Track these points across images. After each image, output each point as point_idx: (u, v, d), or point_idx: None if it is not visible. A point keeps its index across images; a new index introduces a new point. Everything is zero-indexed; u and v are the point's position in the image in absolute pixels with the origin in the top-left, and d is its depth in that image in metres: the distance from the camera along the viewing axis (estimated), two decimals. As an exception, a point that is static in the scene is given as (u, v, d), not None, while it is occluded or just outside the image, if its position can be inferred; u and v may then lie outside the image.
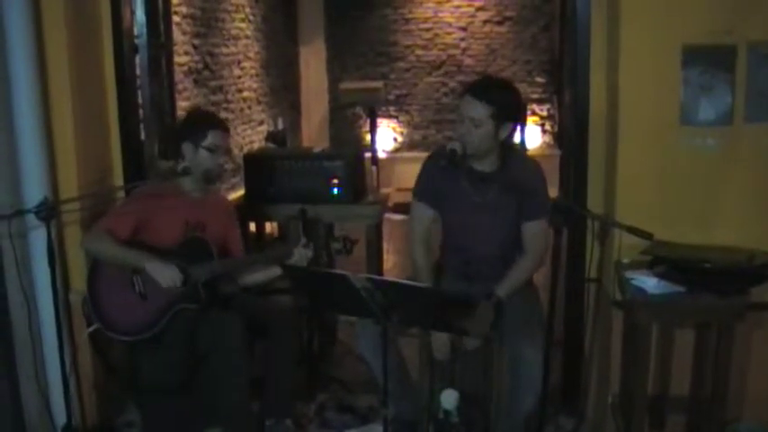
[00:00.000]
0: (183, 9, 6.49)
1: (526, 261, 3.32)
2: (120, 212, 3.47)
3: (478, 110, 3.16)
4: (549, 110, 10.52)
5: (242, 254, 3.72)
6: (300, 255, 3.52)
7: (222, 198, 3.93)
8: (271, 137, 8.37)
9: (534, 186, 3.29)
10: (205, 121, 3.56)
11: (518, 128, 3.35)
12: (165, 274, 3.29)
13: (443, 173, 3.31)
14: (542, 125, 10.56)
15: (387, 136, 10.74)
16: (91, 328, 3.45)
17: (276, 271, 3.65)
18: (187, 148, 3.47)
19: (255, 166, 4.38)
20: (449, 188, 3.36)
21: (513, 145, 3.38)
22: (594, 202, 3.60)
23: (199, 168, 3.45)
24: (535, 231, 3.29)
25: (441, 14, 10.51)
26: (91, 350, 3.67)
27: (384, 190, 8.36)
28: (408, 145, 10.80)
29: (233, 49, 7.88)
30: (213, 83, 7.29)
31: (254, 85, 8.63)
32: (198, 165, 3.45)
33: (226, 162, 3.60)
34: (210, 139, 3.45)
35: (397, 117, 10.84)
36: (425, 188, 3.44)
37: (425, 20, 10.56)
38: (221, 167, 3.57)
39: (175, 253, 3.39)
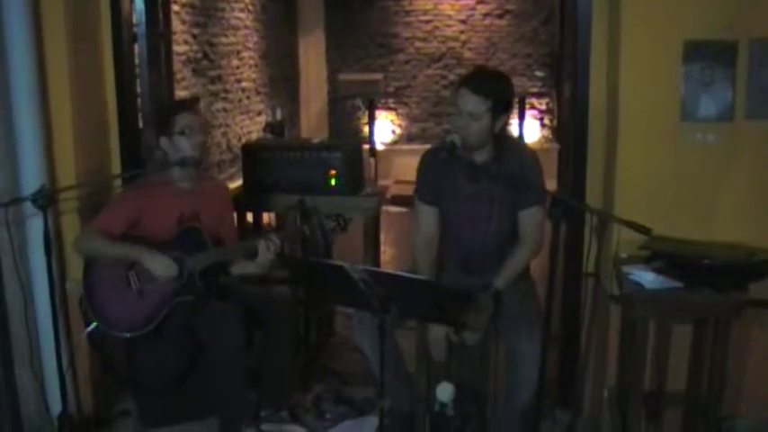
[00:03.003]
0: (183, -2, 6.47)
1: (522, 250, 3.31)
2: (111, 211, 3.46)
3: (477, 104, 3.15)
4: (548, 104, 10.51)
5: (235, 239, 3.70)
6: (263, 254, 3.46)
7: (216, 184, 3.90)
8: (269, 127, 8.36)
9: (528, 174, 3.29)
10: (169, 110, 3.57)
11: (510, 117, 3.34)
12: (160, 266, 3.29)
13: (440, 166, 3.31)
14: (541, 119, 10.55)
15: (385, 128, 10.73)
16: (89, 328, 3.42)
17: (250, 267, 3.60)
18: (164, 141, 3.47)
19: (254, 156, 4.37)
20: (445, 180, 3.37)
21: (507, 134, 3.38)
22: (593, 196, 3.59)
23: (182, 155, 3.44)
24: (530, 219, 3.29)
25: (441, 7, 10.48)
26: (88, 345, 3.65)
27: (382, 182, 8.37)
28: (407, 137, 10.78)
29: (232, 39, 7.86)
30: (212, 72, 7.27)
31: (253, 76, 8.61)
32: (180, 152, 3.44)
33: (204, 138, 3.56)
34: (180, 122, 3.44)
35: (395, 109, 10.83)
36: (425, 188, 3.44)
37: (425, 12, 10.53)
38: (201, 145, 3.52)
39: (171, 245, 3.38)
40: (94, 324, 3.36)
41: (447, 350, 3.26)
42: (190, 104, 3.62)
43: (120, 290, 3.34)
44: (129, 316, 3.33)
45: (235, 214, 4.41)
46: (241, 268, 3.62)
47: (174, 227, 3.44)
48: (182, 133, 3.43)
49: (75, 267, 3.59)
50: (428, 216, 3.45)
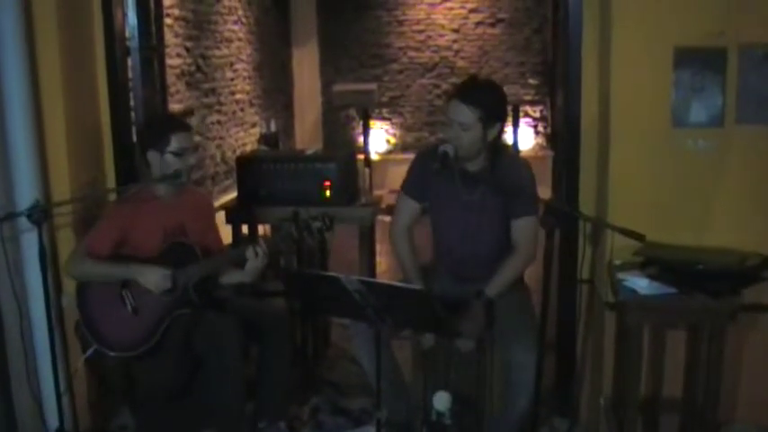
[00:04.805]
0: (176, 11, 6.48)
1: (515, 259, 3.32)
2: (97, 232, 3.41)
3: (467, 114, 3.17)
4: (541, 111, 10.53)
5: (222, 249, 3.67)
6: (251, 261, 3.43)
7: (199, 195, 3.83)
8: (263, 139, 8.36)
9: (522, 184, 3.30)
10: (166, 126, 3.45)
11: (504, 127, 3.35)
12: (154, 279, 3.28)
13: (433, 173, 3.32)
14: (535, 126, 10.57)
15: (380, 138, 10.73)
16: (88, 352, 3.38)
17: (237, 276, 3.57)
18: (153, 156, 3.39)
19: (248, 168, 4.37)
20: (440, 187, 3.38)
21: (502, 143, 3.39)
22: (587, 203, 3.60)
23: (170, 172, 3.37)
24: (524, 228, 3.30)
25: (434, 16, 10.51)
26: (86, 367, 3.64)
27: (377, 192, 8.34)
28: (401, 147, 10.79)
29: (225, 51, 7.87)
30: (206, 85, 7.27)
31: (247, 88, 8.61)
32: (167, 170, 3.37)
33: (195, 161, 3.50)
34: (175, 143, 3.36)
35: (390, 119, 10.84)
36: (413, 183, 3.47)
37: (418, 22, 10.55)
38: (191, 168, 3.47)
39: (159, 262, 3.35)
40: (93, 348, 3.33)
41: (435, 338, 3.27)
42: (186, 123, 3.57)
43: (115, 310, 3.31)
44: (127, 335, 3.30)
45: (230, 226, 4.43)
46: (230, 277, 3.59)
47: (159, 242, 3.40)
48: (176, 154, 3.37)
49: (71, 282, 3.58)
50: (409, 208, 3.50)
